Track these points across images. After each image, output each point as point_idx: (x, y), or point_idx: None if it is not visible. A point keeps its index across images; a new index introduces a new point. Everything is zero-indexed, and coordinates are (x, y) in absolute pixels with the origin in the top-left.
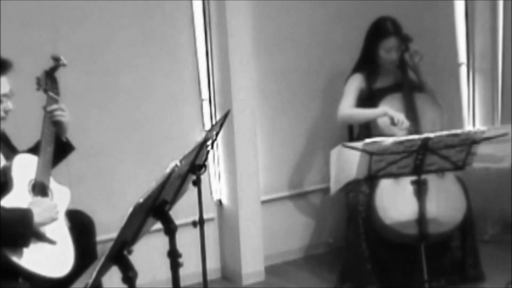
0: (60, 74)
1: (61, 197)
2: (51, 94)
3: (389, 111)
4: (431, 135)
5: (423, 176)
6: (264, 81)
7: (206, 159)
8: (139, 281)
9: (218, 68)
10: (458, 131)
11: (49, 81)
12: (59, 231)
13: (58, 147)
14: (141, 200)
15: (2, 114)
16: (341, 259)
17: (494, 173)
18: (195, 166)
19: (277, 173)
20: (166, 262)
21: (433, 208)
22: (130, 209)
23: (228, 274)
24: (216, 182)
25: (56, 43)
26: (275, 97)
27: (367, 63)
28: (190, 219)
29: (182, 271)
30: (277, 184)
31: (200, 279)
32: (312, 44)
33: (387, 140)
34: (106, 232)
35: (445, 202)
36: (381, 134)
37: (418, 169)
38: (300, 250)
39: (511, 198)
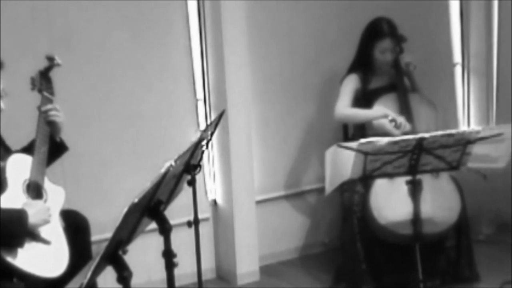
0: (55, 74)
1: (55, 197)
2: (45, 94)
3: (390, 113)
4: (426, 135)
5: (418, 176)
6: (259, 81)
7: (201, 159)
8: (134, 281)
9: (212, 68)
10: (453, 131)
11: (43, 81)
12: (54, 231)
13: (52, 147)
14: (136, 200)
15: None
16: (336, 259)
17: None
18: (190, 166)
19: (272, 173)
20: (161, 262)
21: (427, 208)
22: (125, 209)
23: (223, 274)
24: (211, 182)
25: (50, 43)
26: (270, 97)
27: (362, 63)
28: (185, 219)
29: (177, 271)
30: (272, 184)
31: (195, 279)
32: (307, 44)
33: (382, 140)
34: (101, 232)
35: (440, 202)
36: (376, 134)
37: (413, 169)
38: (295, 250)
39: (506, 198)
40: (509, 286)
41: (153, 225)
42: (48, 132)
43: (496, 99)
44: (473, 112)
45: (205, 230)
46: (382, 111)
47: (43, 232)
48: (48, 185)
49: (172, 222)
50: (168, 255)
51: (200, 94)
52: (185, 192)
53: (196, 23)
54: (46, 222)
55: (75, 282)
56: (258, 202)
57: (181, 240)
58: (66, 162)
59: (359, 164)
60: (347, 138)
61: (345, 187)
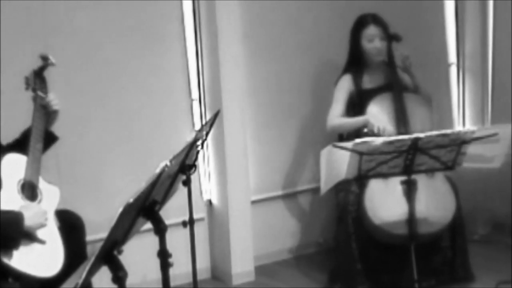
0: (50, 74)
1: (50, 197)
2: (39, 93)
3: (370, 120)
4: (421, 135)
5: (413, 176)
6: (254, 81)
7: (196, 159)
8: (129, 281)
9: (208, 68)
10: (448, 131)
11: (37, 80)
12: (49, 231)
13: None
14: (131, 200)
15: None
16: (331, 259)
17: (484, 173)
18: (185, 166)
19: (267, 173)
20: (156, 262)
21: (422, 208)
22: (120, 209)
23: (218, 274)
24: (206, 182)
25: (45, 43)
26: (265, 97)
27: (355, 61)
28: (180, 219)
29: (172, 271)
30: (267, 184)
31: (190, 279)
32: (302, 44)
33: (377, 140)
34: (96, 232)
35: (435, 202)
36: (366, 135)
37: (408, 169)
38: (290, 250)
39: (501, 198)
40: (504, 286)
41: (148, 225)
42: (43, 132)
43: (491, 99)
44: (468, 112)
45: (200, 230)
46: (364, 119)
47: (39, 232)
48: (43, 185)
49: (167, 222)
50: (163, 255)
51: (195, 94)
52: (180, 192)
53: (191, 23)
54: (42, 225)
55: (70, 282)
56: (253, 202)
57: (176, 240)
58: (61, 162)
59: (354, 164)
60: (342, 138)
61: (340, 187)
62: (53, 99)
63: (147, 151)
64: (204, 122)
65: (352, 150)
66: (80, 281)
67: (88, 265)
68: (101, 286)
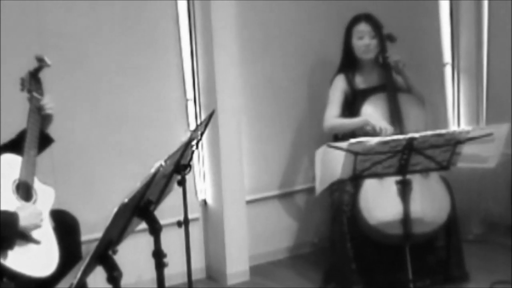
0: (44, 74)
1: (45, 197)
2: (35, 94)
3: (370, 120)
4: (416, 135)
5: (408, 176)
6: (249, 81)
7: (191, 159)
8: (124, 281)
9: (203, 68)
10: (443, 131)
11: (33, 81)
12: (44, 231)
13: (38, 140)
14: (126, 200)
15: None
16: (326, 259)
17: (479, 173)
18: (180, 166)
19: (262, 173)
20: (151, 262)
21: (417, 208)
22: (115, 209)
23: (213, 274)
24: (201, 182)
25: (40, 44)
26: (260, 97)
27: (348, 60)
28: (175, 219)
29: (167, 271)
30: (262, 184)
31: (185, 279)
32: (298, 44)
33: (372, 140)
34: (91, 232)
35: (430, 202)
36: (366, 134)
37: (403, 169)
38: (285, 250)
39: (496, 198)
40: (499, 286)
41: (143, 225)
42: (38, 132)
43: (486, 99)
44: (463, 112)
45: (195, 230)
46: (363, 119)
47: (33, 232)
48: (38, 185)
49: (162, 222)
50: (158, 255)
51: (190, 94)
52: (175, 192)
53: (186, 23)
54: (37, 226)
55: (65, 282)
56: (248, 202)
57: (171, 240)
58: (56, 162)
59: (349, 164)
60: (337, 138)
61: (335, 187)
62: (48, 102)
63: (142, 151)
64: (199, 122)
65: (347, 150)
66: (75, 281)
67: (83, 265)
68: (96, 286)
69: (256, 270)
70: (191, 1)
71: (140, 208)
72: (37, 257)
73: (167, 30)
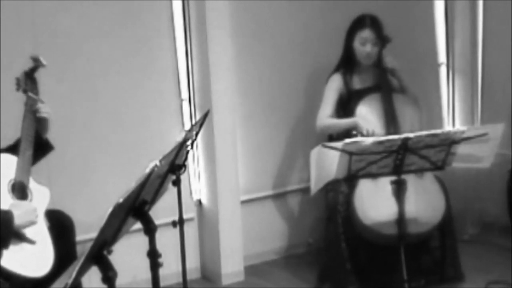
0: (39, 74)
1: (40, 197)
2: (30, 94)
3: (359, 122)
4: (411, 135)
5: (403, 176)
6: (244, 81)
7: (185, 159)
8: (119, 281)
9: (197, 68)
10: (438, 131)
11: (28, 81)
12: (39, 231)
13: (37, 146)
14: (121, 200)
15: None
16: (320, 259)
17: (474, 173)
18: (174, 166)
19: (257, 173)
20: (146, 262)
21: (412, 208)
22: (110, 209)
23: (207, 274)
24: (196, 182)
25: (35, 44)
26: (255, 97)
27: (346, 61)
28: (170, 219)
29: (162, 271)
30: (257, 184)
31: (179, 279)
32: (293, 44)
33: (367, 140)
34: (86, 232)
35: (425, 202)
36: (361, 134)
37: (397, 169)
38: (279, 250)
39: (490, 198)
40: (494, 286)
41: (138, 225)
42: (33, 132)
43: (481, 99)
44: (458, 112)
45: (190, 230)
46: (353, 121)
47: (28, 232)
48: (33, 185)
49: (157, 222)
50: (153, 255)
51: (185, 94)
52: (170, 192)
53: (181, 23)
54: (32, 223)
55: (60, 282)
56: (243, 202)
57: (166, 240)
58: (51, 162)
59: (344, 164)
60: (332, 138)
61: (330, 187)
62: (43, 106)
63: (137, 151)
64: (194, 122)
65: (342, 150)
66: (70, 281)
67: (78, 265)
68: (91, 286)
69: (251, 270)
70: (186, 1)
71: (135, 208)
72: (32, 257)
73: (162, 30)
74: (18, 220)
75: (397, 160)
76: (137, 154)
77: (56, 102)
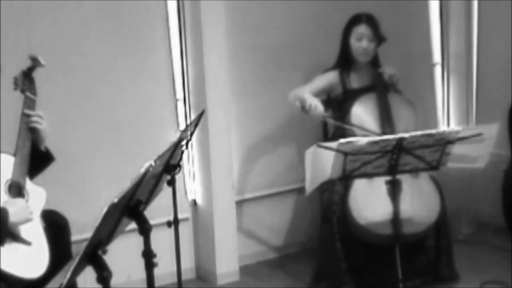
0: (34, 74)
1: (36, 198)
2: (28, 94)
3: (306, 96)
4: (406, 135)
5: (398, 176)
6: (239, 81)
7: (180, 159)
8: (113, 281)
9: (192, 68)
10: (433, 131)
11: (26, 81)
12: (34, 232)
13: (37, 157)
14: (115, 200)
15: None
16: (315, 259)
17: (469, 173)
18: (169, 166)
19: (252, 173)
20: (141, 262)
21: (407, 208)
22: (105, 209)
23: (202, 274)
24: (191, 182)
25: (30, 44)
26: (250, 96)
27: (344, 58)
28: (165, 219)
29: (156, 271)
30: (251, 184)
31: (174, 279)
32: (288, 44)
33: (362, 140)
34: (81, 232)
35: (420, 202)
36: (355, 135)
37: (392, 169)
38: (274, 250)
39: (485, 198)
40: (488, 286)
41: (133, 225)
42: (30, 134)
43: (476, 99)
44: (453, 112)
45: (185, 230)
46: (301, 94)
47: (24, 233)
48: (29, 186)
49: (151, 222)
50: (148, 255)
51: (179, 94)
52: (165, 192)
53: (175, 23)
54: (28, 220)
55: (55, 282)
56: (238, 202)
57: (161, 240)
58: None
59: (339, 164)
60: (327, 138)
61: (325, 187)
62: (35, 115)
63: (132, 151)
64: (188, 122)
65: (336, 150)
66: (65, 281)
67: (72, 265)
68: (86, 286)
69: (246, 270)
70: (180, 1)
71: (130, 208)
72: (28, 258)
73: (156, 30)
74: (13, 218)
75: (392, 160)
76: (132, 154)
77: (50, 102)
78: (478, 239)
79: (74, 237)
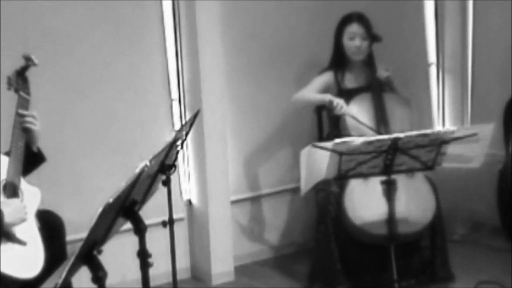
0: (29, 73)
1: (31, 198)
2: (22, 93)
3: (331, 96)
4: (401, 135)
5: (393, 176)
6: (234, 81)
7: (175, 159)
8: (109, 281)
9: (187, 68)
10: (428, 131)
11: (20, 80)
12: (29, 232)
13: (29, 158)
14: (111, 200)
15: None
16: (311, 259)
17: (464, 173)
18: (164, 166)
19: (247, 173)
20: (136, 262)
21: (402, 208)
22: (100, 209)
23: (198, 274)
24: (186, 182)
25: (25, 43)
26: (245, 97)
27: (338, 59)
28: (160, 219)
29: (152, 271)
30: (247, 184)
31: (169, 279)
32: (283, 44)
33: (357, 140)
34: (76, 232)
35: (415, 202)
36: (350, 134)
37: (387, 169)
38: (269, 250)
39: (480, 198)
40: (484, 286)
41: (128, 225)
42: (24, 133)
43: (471, 99)
44: (448, 112)
45: (180, 230)
46: (324, 96)
47: (19, 233)
48: (24, 186)
49: (147, 222)
50: (143, 255)
51: (175, 94)
52: (160, 192)
53: (171, 23)
54: (23, 220)
55: (50, 282)
56: (233, 202)
57: (156, 240)
58: None
59: (334, 164)
60: (322, 138)
61: (320, 187)
62: (29, 115)
63: (127, 151)
64: (183, 122)
65: (331, 150)
66: (60, 281)
67: (67, 265)
68: (81, 286)
69: (241, 270)
70: (176, 1)
71: (125, 208)
72: (23, 258)
73: (152, 30)
74: (8, 218)
75: (387, 160)
76: (127, 154)
77: (44, 102)
78: (473, 239)
79: (69, 237)
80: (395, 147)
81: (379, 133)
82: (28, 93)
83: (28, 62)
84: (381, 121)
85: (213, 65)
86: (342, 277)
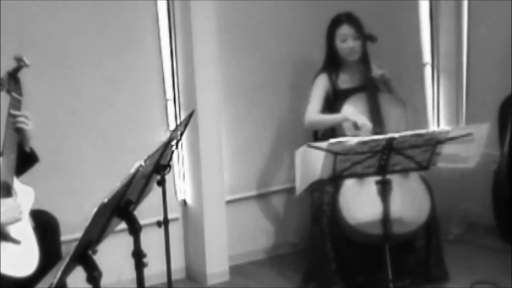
0: (23, 74)
1: (25, 197)
2: (14, 94)
3: (349, 116)
4: (396, 135)
5: (388, 176)
6: (229, 81)
7: (170, 159)
8: (103, 281)
9: (182, 68)
10: (423, 131)
11: (12, 81)
12: (24, 231)
13: (21, 158)
14: (105, 200)
15: None
16: (306, 259)
17: (459, 173)
18: (159, 166)
19: (242, 173)
20: (131, 262)
21: (397, 208)
22: (95, 209)
23: (192, 274)
24: (181, 182)
25: (18, 44)
26: (240, 96)
27: (331, 60)
28: (155, 219)
29: (146, 271)
30: (242, 184)
31: (164, 279)
32: (278, 44)
33: (352, 140)
34: (71, 232)
35: (410, 202)
36: (345, 135)
37: (382, 169)
38: (265, 250)
39: (475, 198)
40: (479, 286)
41: (123, 225)
42: (17, 132)
43: (466, 99)
44: (443, 112)
45: (175, 230)
46: (342, 115)
47: (13, 232)
48: (17, 185)
49: (141, 222)
50: (138, 255)
51: (170, 94)
52: (155, 192)
53: (166, 23)
54: (17, 220)
55: (45, 282)
56: (228, 202)
57: (151, 240)
58: None
59: (329, 164)
60: (317, 138)
61: (315, 187)
62: (21, 115)
63: (122, 151)
64: (178, 122)
65: (326, 150)
66: (55, 281)
67: (62, 265)
68: (76, 286)
69: (236, 270)
70: (170, 1)
71: (120, 208)
72: (17, 257)
73: (146, 29)
74: (2, 218)
75: (382, 160)
76: (122, 154)
77: (38, 102)
78: (468, 239)
79: (64, 237)
80: (390, 147)
81: (375, 133)
82: (20, 94)
83: (20, 63)
84: (376, 121)
85: (208, 65)
86: (337, 277)
